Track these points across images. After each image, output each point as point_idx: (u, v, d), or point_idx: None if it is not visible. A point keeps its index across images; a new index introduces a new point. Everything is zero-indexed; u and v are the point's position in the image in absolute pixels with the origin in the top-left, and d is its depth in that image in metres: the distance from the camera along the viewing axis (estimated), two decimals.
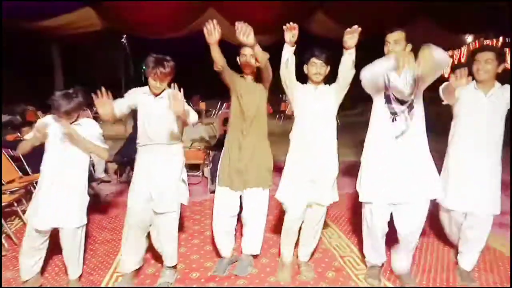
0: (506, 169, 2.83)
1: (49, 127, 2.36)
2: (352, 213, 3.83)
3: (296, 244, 2.79)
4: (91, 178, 4.59)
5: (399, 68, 2.08)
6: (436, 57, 2.03)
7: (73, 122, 2.39)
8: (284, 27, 2.36)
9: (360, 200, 2.55)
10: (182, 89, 2.24)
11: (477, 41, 12.95)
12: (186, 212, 3.97)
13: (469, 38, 8.79)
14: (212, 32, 2.35)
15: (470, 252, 2.64)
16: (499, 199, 2.54)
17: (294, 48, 2.42)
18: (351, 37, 2.28)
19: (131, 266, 2.63)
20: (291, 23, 2.35)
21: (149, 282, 2.64)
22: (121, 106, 2.43)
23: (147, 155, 2.51)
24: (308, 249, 2.81)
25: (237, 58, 2.72)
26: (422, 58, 2.02)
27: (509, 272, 2.76)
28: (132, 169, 5.00)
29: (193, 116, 2.46)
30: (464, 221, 2.61)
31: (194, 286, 2.60)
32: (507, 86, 2.46)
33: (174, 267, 2.72)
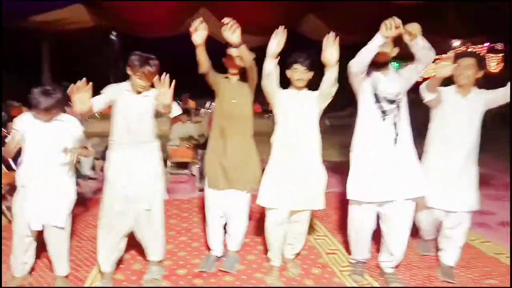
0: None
1: (27, 126, 2.32)
2: (338, 212, 3.90)
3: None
4: (78, 175, 4.58)
5: (384, 33, 2.19)
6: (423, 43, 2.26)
7: (53, 118, 2.34)
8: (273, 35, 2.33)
9: (348, 197, 2.57)
10: (174, 81, 2.25)
11: (463, 46, 13.26)
12: (174, 209, 3.99)
13: (456, 43, 8.98)
14: (199, 31, 2.35)
15: (452, 248, 2.72)
16: (478, 196, 2.66)
17: (276, 60, 2.39)
18: (331, 53, 2.28)
19: (110, 268, 2.57)
20: (280, 28, 2.33)
21: (135, 279, 2.64)
22: (99, 103, 2.33)
23: (127, 152, 2.46)
24: (294, 249, 2.84)
25: (223, 59, 2.71)
26: (410, 27, 2.24)
27: (487, 269, 2.86)
28: None
29: (175, 109, 2.50)
30: (446, 219, 2.69)
31: (181, 283, 2.61)
32: (484, 91, 2.62)
33: (161, 262, 2.73)
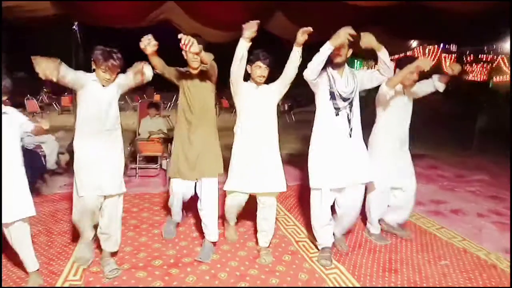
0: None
1: None
2: (306, 203, 4.06)
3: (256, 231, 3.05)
4: (43, 170, 4.44)
5: (334, 43, 2.52)
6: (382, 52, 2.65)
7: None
8: (244, 25, 2.49)
9: (310, 186, 2.86)
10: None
11: (421, 47, 14.01)
12: (146, 203, 4.00)
13: (413, 44, 9.46)
14: (148, 46, 2.47)
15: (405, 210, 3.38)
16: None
17: (249, 44, 2.57)
18: (303, 35, 2.54)
19: (91, 236, 2.72)
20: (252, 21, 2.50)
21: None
22: (69, 73, 2.33)
23: (96, 141, 2.53)
24: (267, 237, 2.99)
25: (183, 53, 2.71)
26: (364, 36, 2.62)
27: (439, 252, 3.14)
28: None
29: (148, 72, 2.62)
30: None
31: (157, 273, 2.66)
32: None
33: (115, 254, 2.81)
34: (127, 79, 2.61)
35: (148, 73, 2.64)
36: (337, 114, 2.74)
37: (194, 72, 2.77)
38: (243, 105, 2.85)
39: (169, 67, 2.79)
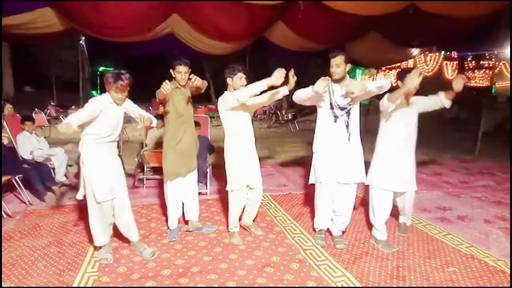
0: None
1: None
2: (312, 211, 4.10)
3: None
4: (53, 182, 4.50)
5: (318, 91, 2.89)
6: (369, 88, 2.87)
7: None
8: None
9: (313, 181, 3.36)
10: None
11: (422, 55, 14.09)
12: (153, 213, 4.04)
13: (415, 52, 9.54)
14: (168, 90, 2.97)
15: (408, 213, 3.57)
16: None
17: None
18: (277, 80, 2.86)
19: (106, 240, 3.05)
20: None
21: (120, 281, 2.69)
22: (82, 118, 2.69)
23: (104, 151, 2.91)
24: (252, 216, 3.58)
25: (171, 71, 3.30)
26: (351, 84, 2.90)
27: (447, 258, 3.15)
28: None
29: (154, 122, 3.03)
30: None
31: (166, 282, 2.69)
32: (419, 98, 3.26)
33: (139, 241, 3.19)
34: (133, 113, 3.00)
35: (154, 123, 3.04)
36: (335, 121, 3.12)
37: (182, 87, 3.34)
38: (232, 115, 3.26)
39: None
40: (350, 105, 3.09)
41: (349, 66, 3.07)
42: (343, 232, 3.49)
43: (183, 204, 3.60)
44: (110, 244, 3.10)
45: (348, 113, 3.10)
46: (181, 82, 3.26)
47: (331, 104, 3.12)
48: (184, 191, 3.51)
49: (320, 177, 3.25)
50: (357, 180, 3.20)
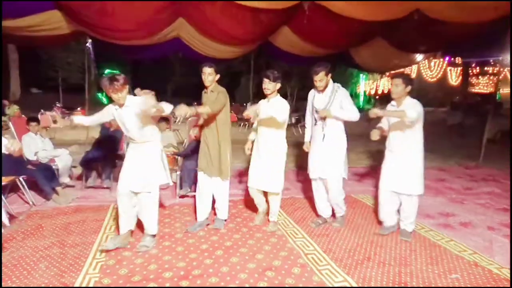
0: None
1: None
2: (315, 215, 4.09)
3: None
4: (56, 183, 4.52)
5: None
6: (337, 116, 3.47)
7: None
8: None
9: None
10: (153, 92, 2.97)
11: (427, 60, 14.06)
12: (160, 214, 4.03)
13: (419, 57, 9.53)
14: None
15: (408, 217, 3.60)
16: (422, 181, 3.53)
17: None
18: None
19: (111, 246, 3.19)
20: None
21: (122, 283, 2.70)
22: (93, 118, 3.27)
23: (133, 149, 3.23)
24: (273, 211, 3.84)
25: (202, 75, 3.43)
26: (324, 111, 3.49)
27: (449, 265, 3.13)
28: (98, 174, 5.01)
29: (167, 107, 2.92)
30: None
31: (168, 284, 2.69)
32: (415, 104, 3.28)
33: (154, 236, 3.34)
34: (144, 105, 2.93)
35: (167, 111, 2.94)
36: (315, 124, 3.70)
37: (208, 90, 3.50)
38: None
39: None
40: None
41: (328, 77, 3.49)
42: (334, 216, 3.96)
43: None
44: (126, 235, 3.29)
45: (324, 118, 3.54)
46: (205, 83, 3.42)
47: (313, 108, 3.67)
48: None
49: (309, 172, 3.81)
50: (325, 177, 3.65)
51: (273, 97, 3.52)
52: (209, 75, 3.36)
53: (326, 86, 3.52)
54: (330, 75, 3.49)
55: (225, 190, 3.68)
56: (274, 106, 3.44)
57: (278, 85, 3.48)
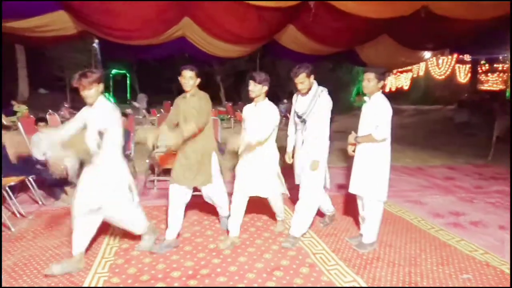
0: None
1: None
2: (321, 215, 4.07)
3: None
4: (65, 182, 4.55)
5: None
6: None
7: None
8: None
9: None
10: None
11: (434, 58, 13.93)
12: (164, 215, 4.04)
13: (427, 55, 9.45)
14: None
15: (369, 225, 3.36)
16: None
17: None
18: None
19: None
20: None
21: (131, 282, 2.71)
22: (70, 130, 2.91)
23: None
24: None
25: (179, 78, 3.21)
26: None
27: (460, 265, 3.09)
28: None
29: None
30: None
31: (176, 284, 2.69)
32: (382, 103, 3.16)
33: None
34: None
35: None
36: (296, 128, 3.49)
37: (187, 95, 3.30)
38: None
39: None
40: (303, 114, 3.31)
41: (311, 79, 3.24)
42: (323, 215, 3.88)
43: None
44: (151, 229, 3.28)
45: (303, 121, 3.33)
46: (184, 87, 3.20)
47: (295, 112, 3.46)
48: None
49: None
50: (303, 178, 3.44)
51: (260, 101, 3.30)
52: (190, 79, 3.14)
53: (309, 89, 3.28)
54: (312, 76, 3.24)
55: (220, 189, 3.46)
56: (262, 112, 3.27)
57: (265, 88, 3.24)
